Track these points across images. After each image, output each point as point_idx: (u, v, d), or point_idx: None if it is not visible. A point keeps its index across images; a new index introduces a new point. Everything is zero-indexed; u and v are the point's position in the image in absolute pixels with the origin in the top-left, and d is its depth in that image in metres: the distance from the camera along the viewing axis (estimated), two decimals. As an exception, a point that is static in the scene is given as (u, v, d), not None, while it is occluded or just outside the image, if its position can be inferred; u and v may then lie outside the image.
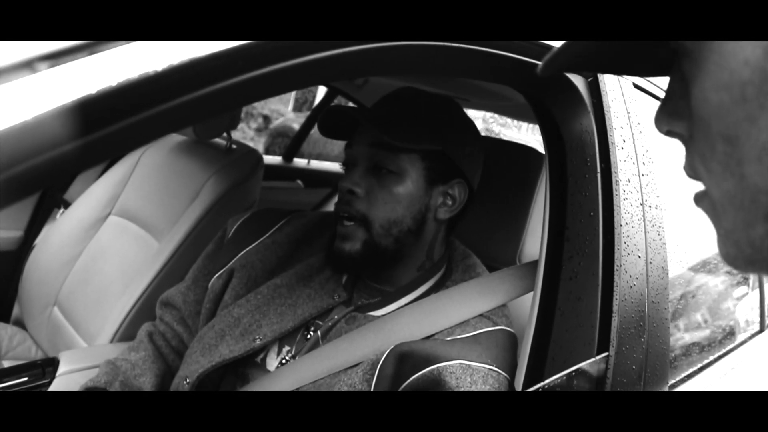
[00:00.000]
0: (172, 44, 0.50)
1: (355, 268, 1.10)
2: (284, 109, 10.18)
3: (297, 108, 10.61)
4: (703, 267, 1.36)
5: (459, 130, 1.13)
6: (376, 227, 1.05)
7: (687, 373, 1.17)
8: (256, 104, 10.03)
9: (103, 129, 0.47)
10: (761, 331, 1.59)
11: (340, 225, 1.07)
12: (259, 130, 9.36)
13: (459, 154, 1.11)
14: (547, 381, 0.83)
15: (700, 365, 1.21)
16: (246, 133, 9.17)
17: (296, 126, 5.27)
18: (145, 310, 1.64)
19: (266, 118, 9.54)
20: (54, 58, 0.45)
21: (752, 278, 1.66)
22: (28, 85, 0.44)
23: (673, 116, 0.44)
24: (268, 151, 7.46)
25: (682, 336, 1.24)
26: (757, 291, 1.68)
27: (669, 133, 0.45)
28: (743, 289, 1.63)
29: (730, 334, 1.47)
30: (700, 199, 0.43)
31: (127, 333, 1.63)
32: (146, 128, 0.50)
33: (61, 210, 2.11)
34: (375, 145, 1.07)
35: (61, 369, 1.41)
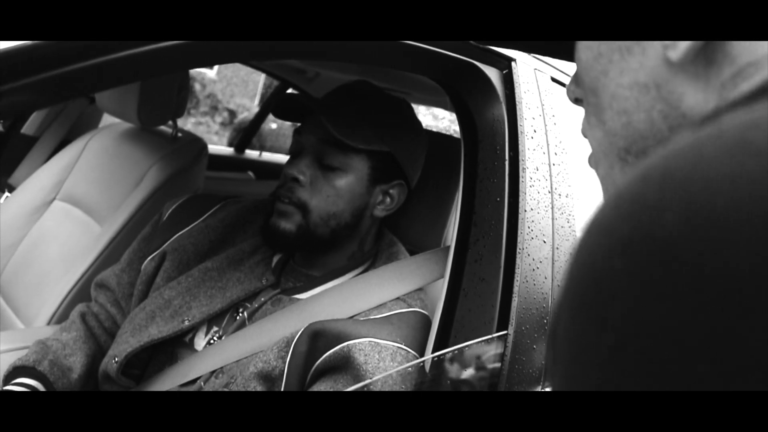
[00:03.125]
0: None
1: (287, 246, 1.11)
2: (250, 104, 10.14)
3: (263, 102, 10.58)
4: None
5: (407, 133, 1.17)
6: (314, 217, 1.08)
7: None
8: (221, 98, 9.96)
9: None
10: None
11: (278, 202, 1.08)
12: (224, 124, 9.32)
13: (404, 157, 1.14)
14: (441, 352, 0.86)
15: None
16: (211, 127, 9.13)
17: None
18: (83, 292, 1.64)
19: (231, 113, 9.50)
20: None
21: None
22: None
23: (574, 83, 0.49)
24: (232, 145, 7.45)
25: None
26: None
27: (577, 101, 0.50)
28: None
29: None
30: (590, 158, 0.49)
31: (65, 315, 1.62)
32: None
33: (5, 194, 2.09)
34: (325, 141, 1.09)
35: (-6, 349, 1.41)
